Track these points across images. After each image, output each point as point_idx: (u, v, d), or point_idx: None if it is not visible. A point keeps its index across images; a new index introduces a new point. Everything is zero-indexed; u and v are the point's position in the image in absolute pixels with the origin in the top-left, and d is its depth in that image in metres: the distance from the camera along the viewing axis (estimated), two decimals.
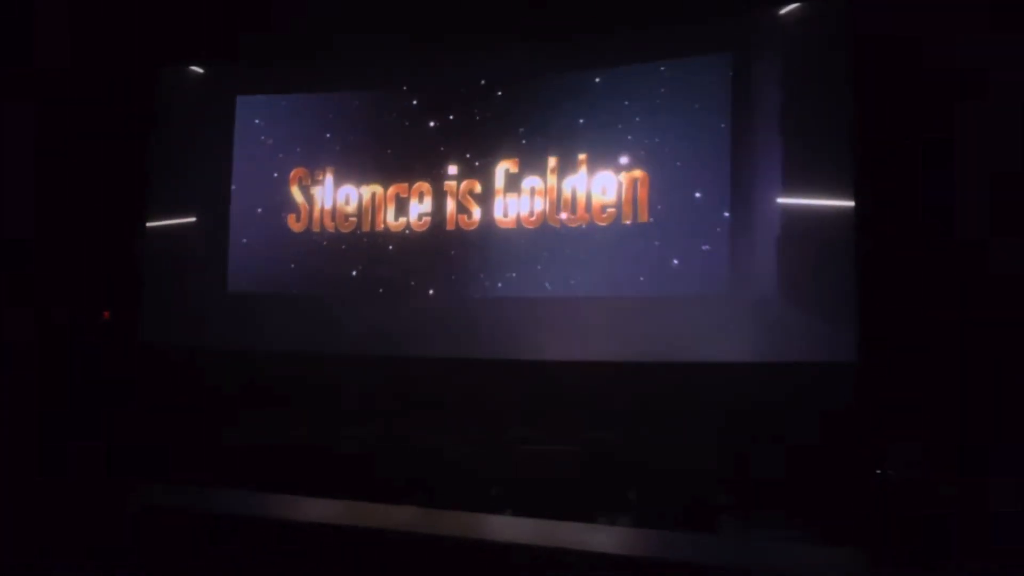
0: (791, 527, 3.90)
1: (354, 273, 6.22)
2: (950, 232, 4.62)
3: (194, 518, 3.26)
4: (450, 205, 6.04)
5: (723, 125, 5.36)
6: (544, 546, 2.72)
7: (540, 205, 5.80)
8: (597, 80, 5.72)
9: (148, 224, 6.69)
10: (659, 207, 5.48)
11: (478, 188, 5.98)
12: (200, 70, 6.73)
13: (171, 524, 3.26)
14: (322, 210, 6.34)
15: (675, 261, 5.40)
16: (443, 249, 6.04)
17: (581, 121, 5.74)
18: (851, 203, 4.90)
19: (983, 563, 2.53)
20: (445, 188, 6.06)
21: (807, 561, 2.68)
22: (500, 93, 5.98)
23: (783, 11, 5.24)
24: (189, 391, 6.04)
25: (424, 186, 6.11)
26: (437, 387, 5.76)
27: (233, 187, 6.53)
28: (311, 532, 2.98)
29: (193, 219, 6.60)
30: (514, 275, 5.82)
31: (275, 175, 6.47)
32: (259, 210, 6.46)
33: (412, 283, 6.08)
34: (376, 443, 5.04)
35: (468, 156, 6.04)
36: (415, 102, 6.20)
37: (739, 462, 4.59)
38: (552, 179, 5.79)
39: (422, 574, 2.79)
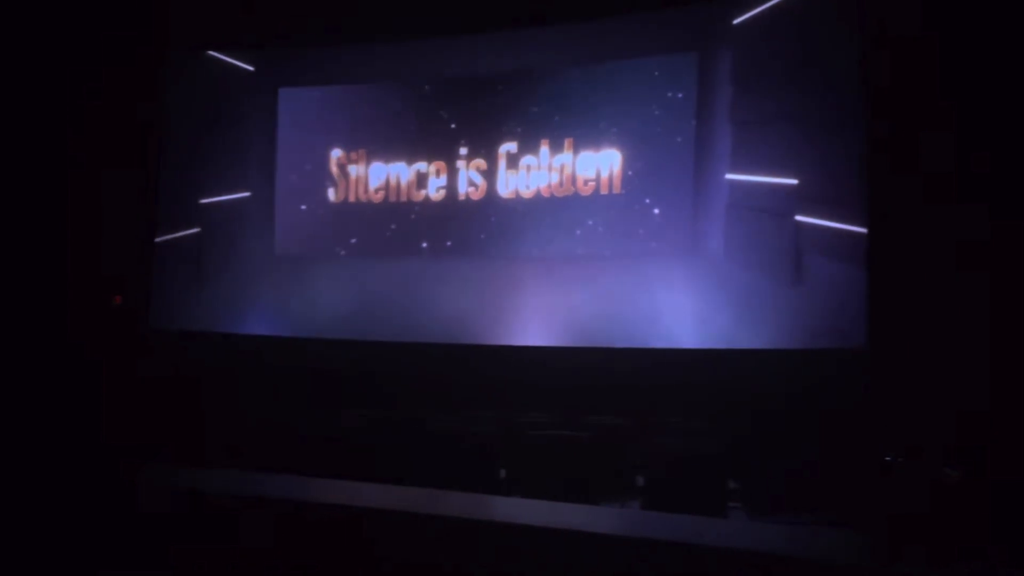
0: (798, 511, 3.84)
1: (392, 227, 7.13)
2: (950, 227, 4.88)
3: (201, 499, 3.09)
4: (461, 180, 6.99)
5: (687, 113, 6.25)
6: (553, 528, 2.66)
7: (535, 180, 6.76)
8: (577, 79, 6.64)
9: (202, 200, 7.59)
10: (630, 181, 6.44)
11: (484, 166, 6.90)
12: (251, 67, 7.61)
13: (179, 505, 3.11)
14: (357, 184, 7.29)
15: (639, 226, 6.37)
16: (455, 216, 6.97)
17: (568, 110, 6.63)
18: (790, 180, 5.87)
19: (983, 562, 2.44)
20: (457, 166, 6.95)
21: (813, 544, 2.54)
22: (501, 88, 6.88)
23: (737, 20, 6.13)
24: (205, 369, 6.59)
25: (440, 164, 6.98)
26: (436, 363, 6.45)
27: (279, 167, 7.43)
28: (314, 513, 2.91)
29: (247, 193, 7.56)
30: (512, 237, 6.77)
31: (316, 156, 7.38)
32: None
33: (428, 243, 7.02)
34: (379, 424, 5.13)
35: (476, 139, 6.90)
36: (434, 97, 7.10)
37: (741, 445, 4.60)
38: (545, 158, 6.73)
39: (428, 555, 2.77)
